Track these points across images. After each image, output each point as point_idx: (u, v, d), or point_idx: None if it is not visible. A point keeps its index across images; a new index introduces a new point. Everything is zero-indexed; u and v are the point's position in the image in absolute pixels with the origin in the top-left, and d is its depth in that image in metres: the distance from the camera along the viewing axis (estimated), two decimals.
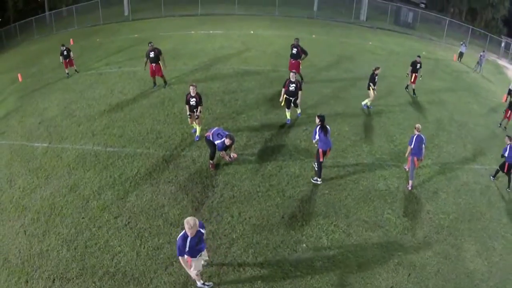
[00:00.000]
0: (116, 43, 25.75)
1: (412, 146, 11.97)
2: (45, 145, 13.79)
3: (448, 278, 9.63)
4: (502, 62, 35.96)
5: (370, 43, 29.04)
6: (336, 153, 13.38)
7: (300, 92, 14.09)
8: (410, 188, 12.27)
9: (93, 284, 8.74)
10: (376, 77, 16.20)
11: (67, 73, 19.82)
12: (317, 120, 11.43)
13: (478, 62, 28.08)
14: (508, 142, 13.26)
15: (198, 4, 31.77)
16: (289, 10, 34.93)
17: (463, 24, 37.83)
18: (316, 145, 11.71)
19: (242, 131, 14.26)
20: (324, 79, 19.70)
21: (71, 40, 26.79)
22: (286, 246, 9.83)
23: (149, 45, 16.84)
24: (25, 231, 10.28)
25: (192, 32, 26.37)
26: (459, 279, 9.70)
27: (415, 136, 12.02)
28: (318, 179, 11.88)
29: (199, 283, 8.50)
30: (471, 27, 36.56)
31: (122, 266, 9.11)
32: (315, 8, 37.96)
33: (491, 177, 13.72)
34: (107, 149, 13.15)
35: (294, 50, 16.92)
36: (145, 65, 17.01)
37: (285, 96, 14.11)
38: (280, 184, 11.83)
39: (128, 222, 10.30)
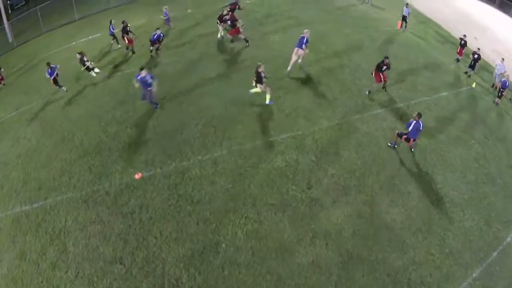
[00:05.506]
0: (6, 80, 23.44)
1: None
2: None
3: (366, 236, 10.85)
4: None
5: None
6: (230, 142, 14.22)
7: None
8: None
9: None
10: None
11: None
12: None
13: None
14: (416, 119, 12.94)
15: (73, 9, 29.81)
16: None
17: None
18: None
19: (136, 145, 14.73)
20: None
21: None
22: (209, 250, 10.90)
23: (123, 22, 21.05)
24: None
25: (73, 43, 25.17)
26: (378, 233, 10.92)
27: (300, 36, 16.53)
28: None
29: None
30: None
31: None
32: None
33: (389, 144, 13.98)
34: (33, 206, 13.31)
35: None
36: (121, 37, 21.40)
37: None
38: (187, 191, 12.64)
39: (77, 273, 10.95)
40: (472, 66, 19.86)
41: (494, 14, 25.25)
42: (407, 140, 13.29)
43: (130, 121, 15.77)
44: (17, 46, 28.83)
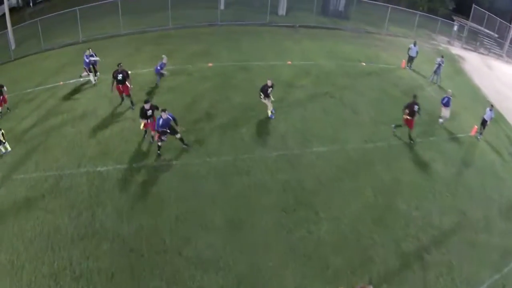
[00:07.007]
0: None
1: None
2: None
3: None
4: (456, 49, 32.06)
5: (289, 62, 23.14)
6: None
7: None
8: None
9: None
10: (269, 89, 16.62)
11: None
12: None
13: (434, 71, 23.69)
14: None
15: (78, 29, 25.19)
16: (186, 15, 28.34)
17: (406, 9, 32.59)
18: None
19: None
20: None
21: None
22: None
23: (118, 66, 16.98)
24: None
25: (60, 83, 19.91)
26: None
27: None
28: None
29: None
30: (418, 12, 31.75)
31: None
32: (221, 6, 30.38)
33: None
34: None
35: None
36: (112, 86, 17.14)
37: None
38: None
39: None
40: None
41: None
42: None
43: (90, 279, 10.34)
44: (14, 59, 24.31)
